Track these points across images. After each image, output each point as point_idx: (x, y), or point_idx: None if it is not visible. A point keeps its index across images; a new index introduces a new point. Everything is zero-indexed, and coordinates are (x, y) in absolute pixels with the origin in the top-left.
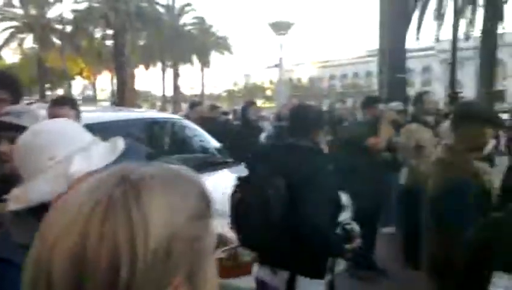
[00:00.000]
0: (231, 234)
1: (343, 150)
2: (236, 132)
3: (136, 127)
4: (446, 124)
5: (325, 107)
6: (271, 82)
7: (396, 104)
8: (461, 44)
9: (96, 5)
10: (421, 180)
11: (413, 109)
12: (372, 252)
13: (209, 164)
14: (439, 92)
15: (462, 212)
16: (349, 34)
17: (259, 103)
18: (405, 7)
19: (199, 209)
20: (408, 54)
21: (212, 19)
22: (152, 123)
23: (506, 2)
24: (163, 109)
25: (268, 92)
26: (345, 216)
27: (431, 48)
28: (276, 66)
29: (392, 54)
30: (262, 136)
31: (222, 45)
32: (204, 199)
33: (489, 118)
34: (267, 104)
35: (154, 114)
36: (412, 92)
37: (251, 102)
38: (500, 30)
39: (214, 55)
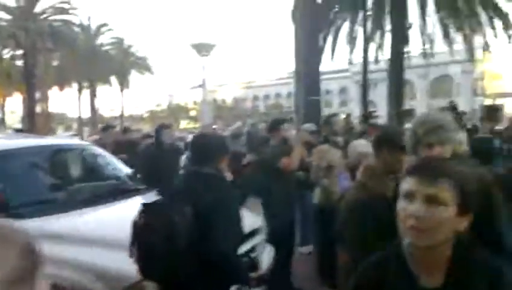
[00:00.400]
0: (132, 268)
1: (258, 172)
2: (149, 157)
3: (41, 155)
4: (355, 143)
5: (246, 128)
6: (195, 103)
7: (309, 126)
8: (374, 66)
9: (3, 23)
10: (332, 199)
11: (323, 130)
12: (288, 272)
13: (120, 191)
14: (355, 112)
15: (358, 234)
16: (271, 55)
17: (184, 123)
18: (318, 31)
19: (21, 272)
20: (326, 76)
21: (132, 39)
22: (59, 151)
23: (410, 27)
24: (79, 131)
25: (193, 113)
26: (259, 239)
27: (347, 70)
28: (199, 86)
29: (307, 76)
30: (182, 160)
31: (142, 65)
32: (30, 256)
33: (400, 143)
34: (192, 125)
35: (61, 141)
36: (332, 112)
37: (165, 125)
38: (406, 53)
39: (133, 76)
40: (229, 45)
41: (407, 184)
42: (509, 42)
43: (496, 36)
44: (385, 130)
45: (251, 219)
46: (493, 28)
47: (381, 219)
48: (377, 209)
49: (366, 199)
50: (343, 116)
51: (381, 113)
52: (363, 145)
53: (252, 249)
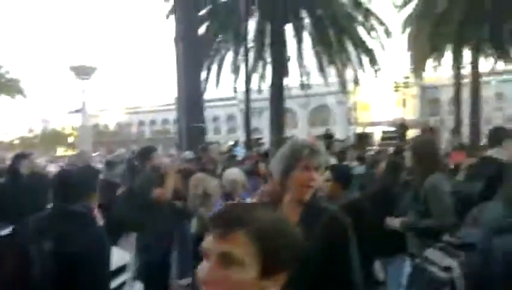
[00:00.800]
0: None
1: (130, 203)
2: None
3: None
4: (229, 171)
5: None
6: (73, 128)
7: (188, 153)
8: (259, 95)
9: None
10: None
11: (200, 158)
12: None
13: None
14: (243, 138)
15: None
16: (159, 80)
17: (60, 150)
18: (200, 59)
19: None
20: (214, 103)
21: (3, 60)
22: None
23: (289, 60)
24: None
25: (71, 139)
26: (126, 276)
27: (234, 98)
28: (78, 111)
29: (189, 103)
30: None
31: (13, 87)
32: None
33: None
34: (70, 152)
35: None
36: (219, 139)
37: (24, 154)
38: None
39: (3, 99)
40: (111, 68)
41: (205, 239)
42: (375, 76)
43: (364, 71)
44: None
45: (118, 255)
46: (361, 63)
47: None
48: None
49: None
50: (231, 143)
51: (267, 139)
52: (235, 173)
53: (119, 288)
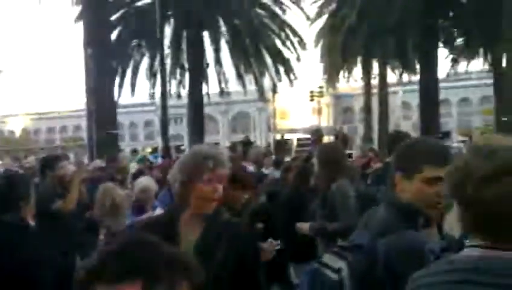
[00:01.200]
0: None
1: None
2: None
3: None
4: (139, 180)
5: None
6: None
7: (98, 162)
8: (179, 101)
9: None
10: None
11: (109, 167)
12: None
13: None
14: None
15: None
16: (68, 86)
17: None
18: (112, 65)
19: None
20: (131, 109)
21: None
22: None
23: (208, 66)
24: None
25: None
26: None
27: (153, 104)
28: None
29: (101, 110)
30: None
31: None
32: None
33: (243, 180)
34: None
35: None
36: (137, 145)
37: None
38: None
39: None
40: (17, 72)
41: None
42: (291, 86)
43: (280, 80)
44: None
45: None
46: (278, 72)
47: None
48: None
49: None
50: (148, 150)
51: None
52: (147, 182)
53: None
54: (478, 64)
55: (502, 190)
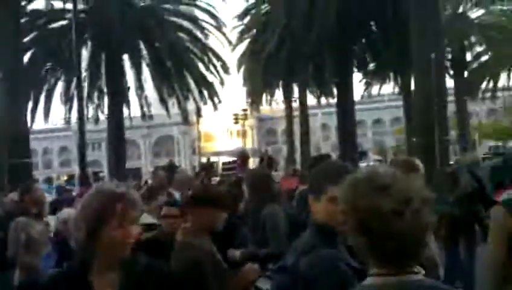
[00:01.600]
0: None
1: None
2: None
3: None
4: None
5: None
6: None
7: (11, 195)
8: (97, 126)
9: None
10: (36, 277)
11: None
12: None
13: None
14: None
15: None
16: None
17: None
18: (23, 89)
19: None
20: (45, 135)
21: None
22: None
23: (129, 89)
24: None
25: None
26: None
27: (68, 129)
28: None
29: (12, 137)
30: None
31: None
32: None
33: (219, 201)
34: None
35: None
36: (52, 173)
37: None
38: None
39: None
40: None
41: None
42: (215, 109)
43: (205, 103)
44: (201, 189)
45: None
46: (201, 95)
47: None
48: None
49: (199, 257)
50: (64, 178)
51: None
52: (68, 213)
53: None
54: (389, 87)
55: (405, 223)
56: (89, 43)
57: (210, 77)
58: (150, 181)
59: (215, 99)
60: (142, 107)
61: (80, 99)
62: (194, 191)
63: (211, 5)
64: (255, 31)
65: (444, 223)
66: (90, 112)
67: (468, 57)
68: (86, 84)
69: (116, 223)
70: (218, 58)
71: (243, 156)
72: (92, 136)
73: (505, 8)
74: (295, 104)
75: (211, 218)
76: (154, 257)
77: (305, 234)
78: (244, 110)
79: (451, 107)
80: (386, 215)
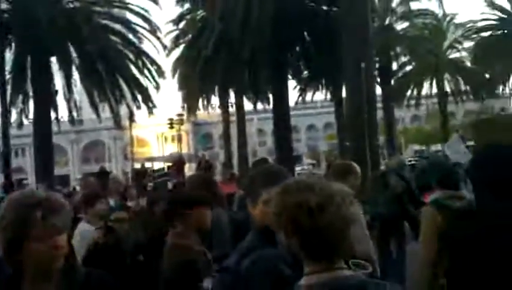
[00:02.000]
0: None
1: None
2: None
3: None
4: None
5: None
6: None
7: None
8: (21, 131)
9: None
10: None
11: None
12: None
13: None
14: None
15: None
16: None
17: None
18: None
19: None
20: None
21: None
22: None
23: (57, 93)
24: None
25: None
26: None
27: None
28: None
29: None
30: None
31: None
32: None
33: (203, 200)
34: None
35: None
36: None
37: None
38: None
39: None
40: None
41: None
42: (150, 114)
43: (139, 108)
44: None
45: None
46: (135, 100)
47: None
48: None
49: (191, 257)
50: None
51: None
52: None
53: None
54: (322, 95)
55: (330, 216)
56: (13, 44)
57: (144, 82)
58: (78, 188)
59: (150, 104)
60: (70, 112)
61: (4, 103)
62: (175, 196)
63: (144, 9)
64: (190, 36)
65: (376, 224)
66: (13, 116)
67: (394, 66)
68: (9, 88)
69: (39, 233)
70: (153, 62)
71: (179, 161)
72: (15, 141)
73: (427, 21)
74: (231, 109)
75: (197, 218)
76: (110, 261)
77: (248, 236)
78: (180, 115)
79: (379, 114)
80: (313, 210)
